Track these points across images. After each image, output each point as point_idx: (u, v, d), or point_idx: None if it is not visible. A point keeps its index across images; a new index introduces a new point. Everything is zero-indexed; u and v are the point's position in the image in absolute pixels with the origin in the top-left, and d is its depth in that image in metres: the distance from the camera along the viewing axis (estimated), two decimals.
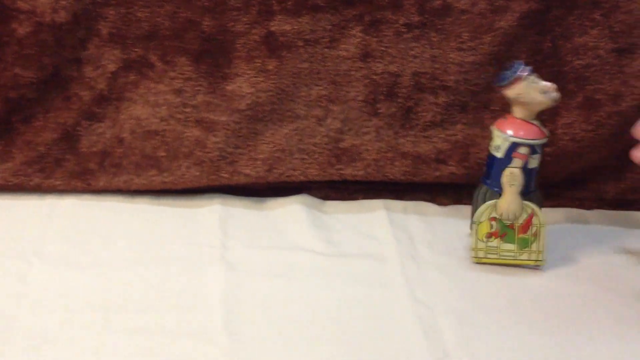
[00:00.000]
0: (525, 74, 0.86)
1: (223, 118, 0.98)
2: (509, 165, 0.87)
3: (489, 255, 0.89)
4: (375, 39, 0.98)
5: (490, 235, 0.89)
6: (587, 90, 0.98)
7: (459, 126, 1.00)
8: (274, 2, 0.96)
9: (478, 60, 0.97)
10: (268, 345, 0.76)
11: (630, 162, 1.00)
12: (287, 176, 0.99)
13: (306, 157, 1.00)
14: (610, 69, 0.97)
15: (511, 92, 0.86)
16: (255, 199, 1.00)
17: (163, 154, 0.98)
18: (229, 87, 0.98)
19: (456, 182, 1.00)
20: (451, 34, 0.97)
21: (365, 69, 0.98)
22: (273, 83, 0.98)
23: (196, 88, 0.98)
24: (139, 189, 0.98)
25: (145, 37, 0.97)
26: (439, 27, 0.97)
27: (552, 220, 0.98)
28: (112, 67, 0.98)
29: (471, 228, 0.91)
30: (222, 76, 0.98)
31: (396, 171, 1.00)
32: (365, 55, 0.98)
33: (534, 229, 0.89)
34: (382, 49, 0.98)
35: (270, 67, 0.97)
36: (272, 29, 0.97)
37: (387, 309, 0.82)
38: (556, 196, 1.01)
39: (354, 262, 0.89)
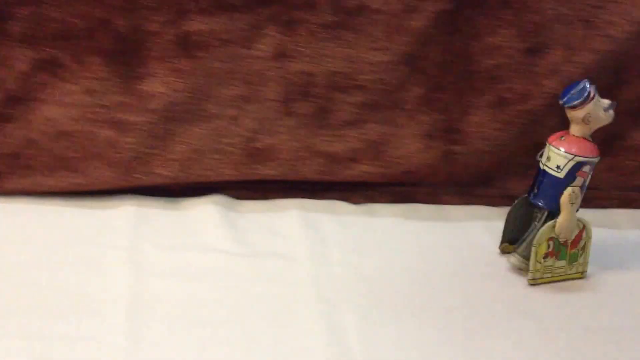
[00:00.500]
0: (594, 93, 0.85)
1: (137, 118, 0.97)
2: (571, 184, 0.86)
3: (545, 276, 0.89)
4: (290, 39, 0.98)
5: (546, 256, 0.88)
6: (498, 89, 1.00)
7: (373, 125, 1.00)
8: (188, 1, 0.96)
9: (391, 59, 0.98)
10: (170, 348, 0.76)
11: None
12: (202, 176, 0.99)
13: (221, 157, 0.99)
14: (520, 68, 0.99)
15: (580, 112, 0.85)
16: (170, 199, 0.99)
17: (75, 155, 0.97)
18: (142, 87, 0.97)
19: (370, 181, 1.02)
20: (365, 34, 0.98)
21: (280, 69, 0.99)
22: (187, 83, 0.97)
23: (109, 88, 0.97)
24: (51, 190, 0.97)
25: (57, 36, 0.95)
26: (354, 27, 0.98)
27: (464, 217, 1.00)
28: (23, 67, 0.96)
29: (515, 249, 0.91)
30: (135, 76, 0.97)
31: (311, 170, 1.00)
32: (280, 55, 0.98)
33: (582, 242, 0.89)
34: (297, 48, 0.98)
35: (184, 67, 0.97)
36: (187, 28, 0.96)
37: (293, 307, 0.82)
38: (466, 194, 1.03)
39: (265, 262, 0.89)
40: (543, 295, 0.87)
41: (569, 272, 0.89)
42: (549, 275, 0.88)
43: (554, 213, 0.88)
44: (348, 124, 1.00)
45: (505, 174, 1.03)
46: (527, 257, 0.88)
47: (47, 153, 0.97)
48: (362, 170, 1.00)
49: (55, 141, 0.97)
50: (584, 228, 0.89)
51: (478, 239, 0.96)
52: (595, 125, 0.86)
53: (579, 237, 0.89)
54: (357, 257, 0.91)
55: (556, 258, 0.88)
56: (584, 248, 0.89)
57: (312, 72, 0.99)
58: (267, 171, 1.00)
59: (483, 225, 0.98)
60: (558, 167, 0.86)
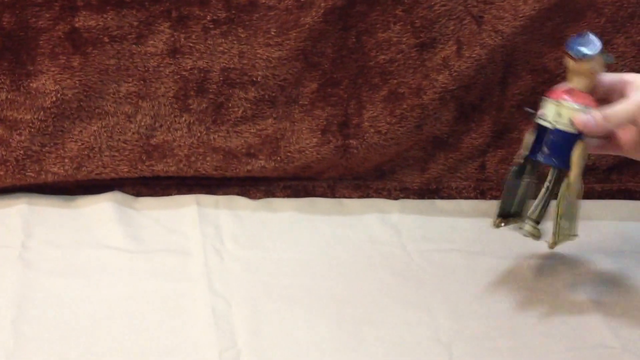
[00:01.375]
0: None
1: (27, 116, 0.96)
2: (582, 139, 0.82)
3: (560, 237, 0.85)
4: (183, 35, 0.98)
5: (561, 217, 0.84)
6: (391, 84, 1.01)
7: (269, 121, 1.01)
8: None
9: (285, 55, 0.98)
10: (55, 346, 0.75)
11: (432, 153, 1.04)
12: (97, 174, 0.98)
13: (116, 154, 0.99)
14: (412, 63, 1.00)
15: (587, 64, 0.81)
16: (64, 197, 0.98)
17: None
18: (32, 85, 0.96)
19: (267, 176, 1.02)
20: (258, 29, 0.98)
21: (174, 65, 0.98)
22: (79, 80, 0.96)
23: None
24: None
25: None
26: (247, 23, 0.98)
27: (360, 210, 1.01)
28: None
29: (528, 216, 0.87)
30: (25, 73, 0.96)
31: (208, 166, 1.00)
32: (174, 52, 0.98)
33: (579, 203, 0.86)
34: (191, 44, 0.98)
35: (75, 64, 0.96)
36: (76, 25, 0.95)
37: (184, 302, 0.82)
38: (364, 187, 1.04)
39: (158, 257, 0.89)
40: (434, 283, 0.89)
41: (571, 232, 0.86)
42: (562, 236, 0.85)
43: (561, 172, 0.85)
44: (244, 119, 1.00)
45: (401, 167, 1.04)
46: (538, 222, 0.87)
47: None
48: (259, 165, 1.00)
49: None
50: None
51: (374, 231, 0.98)
52: (596, 79, 0.83)
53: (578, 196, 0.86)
54: (253, 251, 0.92)
55: (566, 219, 0.85)
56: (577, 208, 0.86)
57: (206, 68, 0.99)
58: (164, 167, 0.99)
59: (379, 217, 1.00)
60: (571, 121, 0.82)
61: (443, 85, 1.00)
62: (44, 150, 0.97)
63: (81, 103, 0.97)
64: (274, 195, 1.02)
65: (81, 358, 0.74)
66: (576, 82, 0.82)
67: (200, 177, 1.01)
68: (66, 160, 0.97)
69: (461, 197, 1.05)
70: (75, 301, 0.81)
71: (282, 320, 0.80)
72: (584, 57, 0.81)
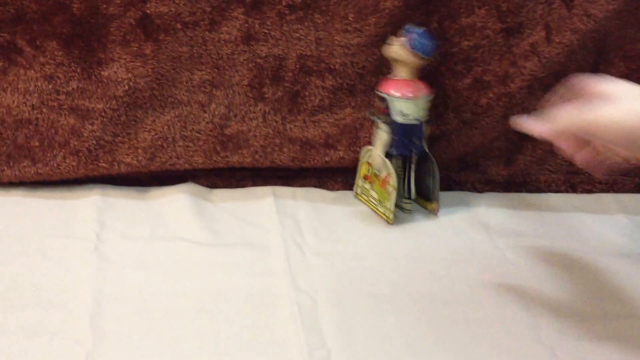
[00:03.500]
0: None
1: (99, 105, 0.93)
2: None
3: (363, 195, 0.95)
4: (257, 21, 0.94)
5: (365, 178, 0.94)
6: (476, 72, 0.96)
7: (347, 110, 0.97)
8: None
9: (364, 42, 0.94)
10: (136, 342, 0.71)
11: (520, 144, 1.00)
12: (170, 164, 0.95)
13: (190, 144, 0.96)
14: (498, 49, 0.96)
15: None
16: (137, 188, 0.95)
17: (36, 143, 0.93)
18: (104, 73, 0.93)
19: (345, 167, 0.98)
20: (336, 15, 0.94)
21: (248, 52, 0.95)
22: (151, 68, 0.93)
23: (69, 74, 0.93)
24: (12, 180, 0.93)
25: (11, 20, 0.91)
26: (323, 8, 0.94)
27: (442, 204, 0.96)
28: None
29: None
30: (96, 61, 0.93)
31: (284, 157, 0.97)
32: (248, 38, 0.94)
33: (389, 189, 0.91)
34: (265, 31, 0.94)
35: (147, 52, 0.93)
36: (148, 11, 0.92)
37: (268, 298, 0.78)
38: (446, 179, 0.99)
39: (237, 251, 0.85)
40: None
41: (379, 208, 0.93)
42: (365, 197, 0.95)
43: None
44: (321, 108, 0.97)
45: (485, 159, 0.99)
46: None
47: (6, 142, 0.93)
48: (337, 156, 0.96)
49: (15, 130, 0.93)
50: (388, 175, 0.91)
51: (460, 225, 0.93)
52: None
53: (385, 181, 0.91)
54: (334, 245, 0.88)
55: (371, 186, 0.94)
56: (388, 197, 0.91)
57: (282, 56, 0.95)
58: (239, 159, 0.96)
59: (464, 210, 0.95)
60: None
61: (531, 73, 0.95)
62: (116, 140, 0.94)
63: (154, 92, 0.94)
64: (351, 188, 0.98)
65: (163, 355, 0.71)
66: (405, 73, 0.91)
67: (276, 168, 0.97)
68: (139, 151, 0.94)
69: (550, 191, 1.00)
70: (154, 295, 0.78)
71: (370, 318, 0.76)
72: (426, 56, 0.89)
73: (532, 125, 0.70)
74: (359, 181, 0.95)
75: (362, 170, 0.95)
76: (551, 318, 0.77)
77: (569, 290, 0.81)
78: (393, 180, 0.90)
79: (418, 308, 0.78)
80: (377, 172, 0.92)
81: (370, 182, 0.94)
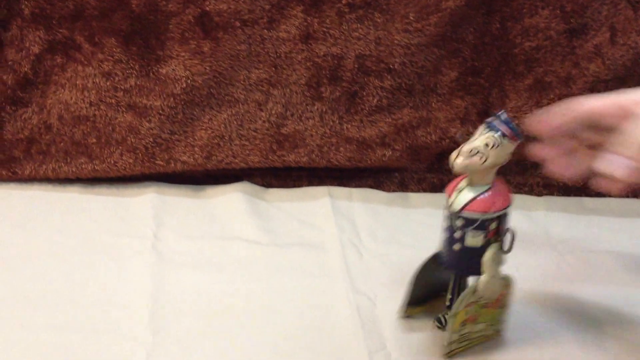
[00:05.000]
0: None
1: (157, 102, 0.93)
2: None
3: (461, 345, 0.71)
4: (316, 20, 0.93)
5: (464, 323, 0.71)
6: (537, 73, 0.94)
7: (405, 110, 0.95)
8: None
9: (424, 41, 0.92)
10: (195, 341, 0.71)
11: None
12: (226, 163, 0.95)
13: (247, 143, 0.95)
14: (561, 50, 0.94)
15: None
16: (193, 187, 0.95)
17: (94, 140, 0.93)
18: (162, 70, 0.93)
19: (402, 167, 0.97)
20: (396, 14, 0.93)
21: (307, 51, 0.94)
22: (209, 65, 0.93)
23: (127, 71, 0.93)
24: (69, 177, 0.93)
25: (70, 17, 0.91)
26: (384, 7, 0.93)
27: None
28: (36, 49, 0.92)
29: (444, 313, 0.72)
30: (154, 58, 0.93)
31: (341, 157, 0.95)
32: (307, 37, 0.93)
33: (504, 299, 0.72)
34: (324, 30, 0.93)
35: (205, 49, 0.92)
36: (207, 8, 0.91)
37: (326, 299, 0.77)
38: (505, 182, 0.97)
39: (294, 251, 0.85)
40: None
41: (486, 333, 0.72)
42: (466, 342, 0.72)
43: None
44: (379, 108, 0.95)
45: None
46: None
47: (64, 138, 0.93)
48: (394, 156, 0.95)
49: (73, 126, 0.93)
50: (508, 284, 0.71)
51: (519, 229, 0.90)
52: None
53: (500, 295, 0.71)
54: (392, 247, 0.86)
55: (474, 322, 0.71)
56: (505, 305, 0.72)
57: (340, 55, 0.94)
58: (295, 158, 0.95)
59: (523, 214, 0.93)
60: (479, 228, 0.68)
61: (595, 75, 0.93)
62: (173, 138, 0.94)
63: (211, 90, 0.94)
64: (408, 189, 0.97)
65: (221, 354, 0.70)
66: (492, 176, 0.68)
67: (332, 168, 0.96)
68: (196, 149, 0.94)
69: (611, 196, 0.97)
70: (212, 294, 0.77)
71: (429, 320, 0.75)
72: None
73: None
74: (454, 336, 0.70)
75: (459, 320, 0.70)
76: (615, 325, 0.75)
77: (633, 297, 0.79)
78: (512, 285, 0.71)
79: None
80: (485, 301, 0.70)
81: (473, 320, 0.71)
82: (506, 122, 0.65)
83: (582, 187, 0.97)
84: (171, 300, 0.76)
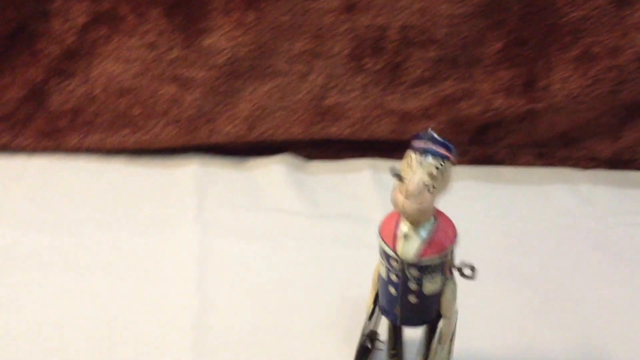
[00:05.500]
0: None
1: (200, 74, 0.93)
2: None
3: None
4: None
5: None
6: (585, 43, 0.92)
7: (448, 82, 0.94)
8: None
9: (469, 11, 0.91)
10: (240, 309, 0.72)
11: (627, 120, 0.96)
12: (268, 135, 0.95)
13: (289, 115, 0.95)
14: (609, 20, 0.92)
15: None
16: (235, 158, 0.95)
17: (137, 112, 0.93)
18: (205, 42, 0.93)
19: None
20: None
21: (350, 22, 0.93)
22: (252, 37, 0.92)
23: (171, 42, 0.93)
24: (113, 148, 0.93)
25: None
26: None
27: (543, 181, 0.94)
28: (81, 20, 0.92)
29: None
30: (198, 30, 0.93)
31: (383, 129, 0.95)
32: (350, 7, 0.93)
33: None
34: (368, 0, 0.93)
35: (248, 20, 0.92)
36: None
37: (370, 271, 0.78)
38: (549, 156, 0.96)
39: (337, 223, 0.85)
40: None
41: None
42: None
43: None
44: (422, 80, 0.94)
45: (590, 135, 0.96)
46: None
47: (108, 110, 0.93)
48: (436, 128, 0.93)
49: (117, 97, 0.93)
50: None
51: (563, 202, 0.90)
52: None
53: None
54: None
55: None
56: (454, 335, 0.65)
57: (384, 26, 0.93)
58: (337, 130, 0.94)
59: (566, 188, 0.92)
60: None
61: None
62: (216, 109, 0.94)
63: (254, 61, 0.93)
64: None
65: (267, 321, 0.71)
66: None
67: (374, 140, 0.96)
68: (238, 121, 0.94)
69: None
70: (257, 264, 0.78)
71: (474, 294, 0.74)
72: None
73: None
74: None
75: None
76: None
77: None
78: None
79: (519, 283, 0.77)
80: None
81: None
82: (440, 142, 0.57)
83: (629, 161, 0.96)
84: (217, 269, 0.77)
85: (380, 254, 0.60)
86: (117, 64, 0.93)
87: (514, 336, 0.71)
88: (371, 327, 0.64)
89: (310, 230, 0.84)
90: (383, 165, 0.95)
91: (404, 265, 0.57)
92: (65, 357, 0.66)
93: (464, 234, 0.83)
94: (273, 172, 0.93)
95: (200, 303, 0.72)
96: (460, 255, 0.80)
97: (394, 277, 0.59)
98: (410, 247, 0.57)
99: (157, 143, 0.93)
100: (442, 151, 0.57)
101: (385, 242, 0.59)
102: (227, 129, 0.94)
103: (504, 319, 0.73)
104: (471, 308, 0.70)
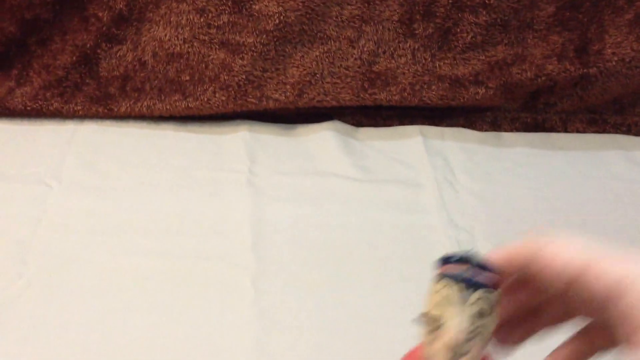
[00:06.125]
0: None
1: (250, 39, 0.93)
2: None
3: None
4: None
5: None
6: (638, 7, 0.91)
7: (499, 47, 0.93)
8: None
9: None
10: (296, 270, 0.72)
11: None
12: (317, 101, 0.94)
13: (338, 81, 0.94)
14: None
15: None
16: (284, 125, 0.95)
17: (187, 77, 0.93)
18: (255, 6, 0.92)
19: (495, 105, 0.95)
20: None
21: None
22: (302, 2, 0.91)
23: (221, 7, 0.92)
24: (163, 114, 0.93)
25: None
26: None
27: (596, 147, 0.93)
28: None
29: None
30: None
31: (433, 95, 0.94)
32: None
33: None
34: None
35: None
36: None
37: (424, 234, 0.77)
38: (601, 122, 0.95)
39: (388, 188, 0.84)
40: None
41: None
42: None
43: None
44: (473, 45, 0.93)
45: None
46: None
47: (158, 76, 0.93)
48: (487, 94, 0.93)
49: (167, 63, 0.93)
50: None
51: (617, 168, 0.89)
52: None
53: None
54: (487, 185, 0.85)
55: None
56: None
57: None
58: (387, 96, 0.94)
59: (620, 154, 0.91)
60: None
61: None
62: (265, 75, 0.93)
63: (303, 26, 0.93)
64: (500, 128, 0.95)
65: (323, 283, 0.71)
66: None
67: (423, 107, 0.95)
68: (287, 87, 0.93)
69: None
70: (309, 227, 0.78)
71: None
72: None
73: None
74: None
75: None
76: None
77: None
78: None
79: None
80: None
81: None
82: (484, 266, 0.41)
83: None
84: (270, 231, 0.77)
85: None
86: (166, 30, 0.93)
87: None
88: None
89: (362, 195, 0.83)
90: (433, 132, 0.94)
91: None
92: (130, 307, 0.67)
93: (517, 199, 0.83)
94: (322, 138, 0.92)
95: (256, 261, 0.72)
96: (512, 217, 0.80)
97: None
98: None
99: (207, 109, 0.93)
100: (486, 279, 0.40)
101: None
102: (277, 95, 0.93)
103: None
104: None
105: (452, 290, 0.40)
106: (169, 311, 0.67)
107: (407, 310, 0.66)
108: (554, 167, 0.89)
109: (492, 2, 0.91)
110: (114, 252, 0.73)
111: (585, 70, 0.92)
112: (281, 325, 0.66)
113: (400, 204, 0.82)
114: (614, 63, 0.92)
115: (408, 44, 0.93)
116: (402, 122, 0.96)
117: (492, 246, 0.75)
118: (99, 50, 0.93)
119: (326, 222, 0.79)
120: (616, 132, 0.95)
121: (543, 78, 0.93)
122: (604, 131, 0.95)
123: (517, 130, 0.95)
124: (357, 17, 0.93)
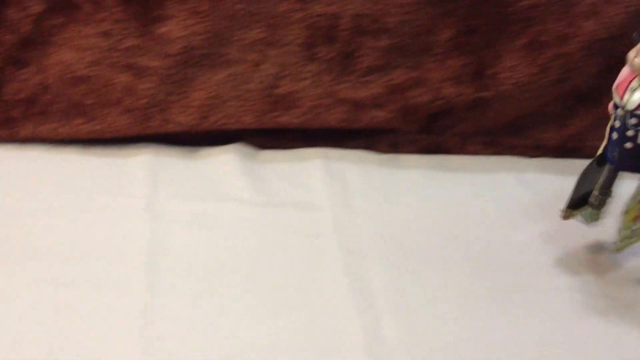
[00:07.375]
0: None
1: (154, 63, 0.94)
2: None
3: (631, 240, 0.77)
4: None
5: (636, 219, 0.76)
6: (532, 32, 0.94)
7: (398, 71, 0.96)
8: None
9: (419, 0, 0.93)
10: (188, 296, 0.73)
11: (574, 109, 0.98)
12: (221, 124, 0.96)
13: (241, 104, 0.96)
14: (557, 9, 0.93)
15: None
16: (188, 148, 0.96)
17: (91, 101, 0.94)
18: (160, 30, 0.93)
19: (395, 128, 0.97)
20: None
21: (303, 11, 0.94)
22: (207, 25, 0.93)
23: (125, 31, 0.93)
24: (66, 138, 0.94)
25: None
26: None
27: (490, 169, 0.96)
28: (36, 8, 0.93)
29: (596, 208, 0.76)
30: (153, 18, 0.93)
31: (334, 118, 0.96)
32: None
33: None
34: None
35: (203, 9, 0.93)
36: None
37: (315, 258, 0.79)
38: (496, 144, 0.98)
39: (285, 211, 0.86)
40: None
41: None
42: (635, 238, 0.78)
43: None
44: (373, 69, 0.96)
45: (537, 123, 0.98)
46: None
47: (62, 99, 0.94)
48: (387, 117, 0.96)
49: (71, 87, 0.94)
50: None
51: (510, 190, 0.92)
52: None
53: None
54: (383, 207, 0.88)
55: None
56: None
57: (337, 14, 0.94)
58: (289, 119, 0.96)
59: (513, 176, 0.94)
60: None
61: (590, 34, 0.92)
62: (169, 99, 0.95)
63: (208, 50, 0.94)
64: (400, 150, 0.98)
65: (215, 308, 0.72)
66: None
67: (325, 129, 0.97)
68: (192, 110, 0.95)
69: None
70: (206, 253, 0.80)
71: (420, 280, 0.77)
72: None
73: None
74: (624, 232, 0.76)
75: (631, 216, 0.76)
76: (599, 285, 0.77)
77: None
78: None
79: (467, 270, 0.79)
80: None
81: None
82: None
83: (573, 149, 0.98)
84: (166, 258, 0.78)
85: (613, 107, 0.73)
86: (72, 53, 0.94)
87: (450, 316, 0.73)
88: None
89: (260, 219, 0.85)
90: (334, 154, 0.96)
91: (625, 112, 0.70)
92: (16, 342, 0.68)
93: (412, 221, 0.86)
94: (225, 161, 0.94)
95: (149, 289, 0.73)
96: (406, 239, 0.82)
97: (617, 124, 0.71)
98: (634, 98, 0.69)
99: (110, 132, 0.94)
100: None
101: (616, 93, 0.71)
102: (180, 118, 0.95)
103: (452, 301, 0.75)
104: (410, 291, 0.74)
105: None
106: (55, 342, 0.68)
107: (302, 337, 0.69)
108: (449, 188, 0.92)
109: (391, 27, 0.94)
110: (9, 278, 0.73)
111: (481, 94, 0.95)
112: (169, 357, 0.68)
113: (296, 227, 0.84)
114: (508, 86, 0.95)
115: (310, 68, 0.96)
116: (305, 144, 0.98)
117: (383, 270, 0.78)
118: (3, 74, 0.94)
119: (223, 247, 0.80)
120: (511, 154, 0.98)
121: (441, 101, 0.95)
122: (499, 153, 0.98)
123: (416, 152, 0.98)
124: (261, 41, 0.95)
